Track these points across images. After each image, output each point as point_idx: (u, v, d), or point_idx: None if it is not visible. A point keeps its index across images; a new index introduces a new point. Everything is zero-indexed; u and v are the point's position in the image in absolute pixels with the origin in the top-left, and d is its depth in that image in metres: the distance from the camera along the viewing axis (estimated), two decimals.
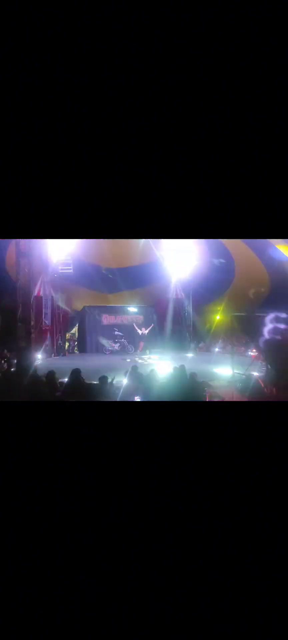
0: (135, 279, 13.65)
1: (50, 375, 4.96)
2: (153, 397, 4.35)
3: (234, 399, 5.33)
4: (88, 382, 5.44)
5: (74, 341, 13.51)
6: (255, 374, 7.38)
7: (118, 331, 12.63)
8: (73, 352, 13.04)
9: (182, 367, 5.44)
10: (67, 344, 12.81)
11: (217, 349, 12.14)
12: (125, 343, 12.36)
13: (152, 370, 5.12)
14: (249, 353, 9.18)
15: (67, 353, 12.42)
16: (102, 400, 4.15)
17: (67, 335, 13.07)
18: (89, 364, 9.12)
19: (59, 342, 12.11)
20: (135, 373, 5.20)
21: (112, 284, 13.42)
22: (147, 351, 12.04)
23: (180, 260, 13.61)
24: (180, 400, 4.32)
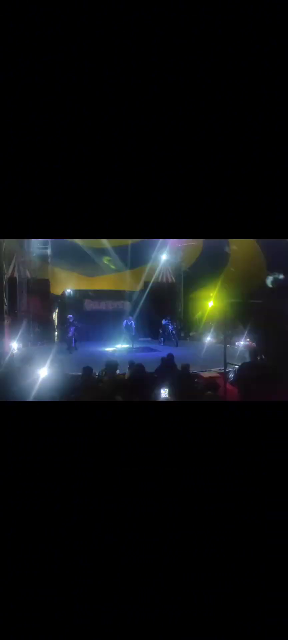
0: (123, 261, 12.70)
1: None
2: (144, 390, 4.30)
3: (226, 391, 5.01)
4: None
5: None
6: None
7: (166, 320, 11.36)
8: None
9: (170, 356, 5.42)
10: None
11: (209, 338, 11.45)
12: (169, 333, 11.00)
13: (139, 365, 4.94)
14: (242, 343, 8.69)
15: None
16: (85, 392, 4.15)
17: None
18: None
19: (36, 329, 11.15)
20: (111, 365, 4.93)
21: (97, 266, 12.48)
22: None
23: (170, 242, 12.82)
24: (171, 392, 4.38)
